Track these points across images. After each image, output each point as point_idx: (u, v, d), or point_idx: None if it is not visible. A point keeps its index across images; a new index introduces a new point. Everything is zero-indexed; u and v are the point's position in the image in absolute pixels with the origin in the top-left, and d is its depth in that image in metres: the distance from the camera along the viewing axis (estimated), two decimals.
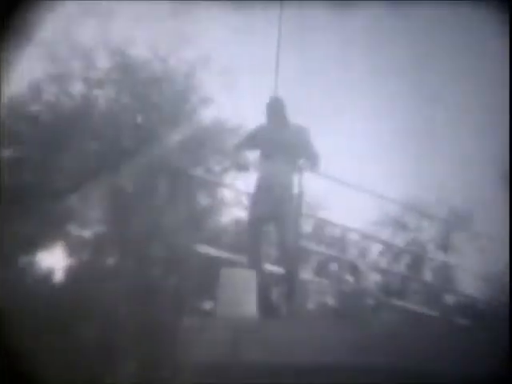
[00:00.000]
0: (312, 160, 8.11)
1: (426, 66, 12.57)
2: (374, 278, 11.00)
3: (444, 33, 11.99)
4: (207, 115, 9.84)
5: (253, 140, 8.20)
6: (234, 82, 9.05)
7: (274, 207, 7.93)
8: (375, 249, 11.70)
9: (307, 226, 10.13)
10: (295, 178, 8.11)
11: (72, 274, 7.67)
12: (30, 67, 10.92)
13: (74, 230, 9.30)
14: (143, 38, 10.45)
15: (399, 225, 12.08)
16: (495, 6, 6.67)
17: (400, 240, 12.00)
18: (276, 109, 8.07)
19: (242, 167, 8.20)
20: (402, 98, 12.42)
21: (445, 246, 12.13)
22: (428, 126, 12.59)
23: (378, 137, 12.42)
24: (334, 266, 10.69)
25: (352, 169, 10.23)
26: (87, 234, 9.27)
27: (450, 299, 11.43)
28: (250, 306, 7.09)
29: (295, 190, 8.08)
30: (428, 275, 11.81)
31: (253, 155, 8.28)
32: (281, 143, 8.01)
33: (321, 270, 10.56)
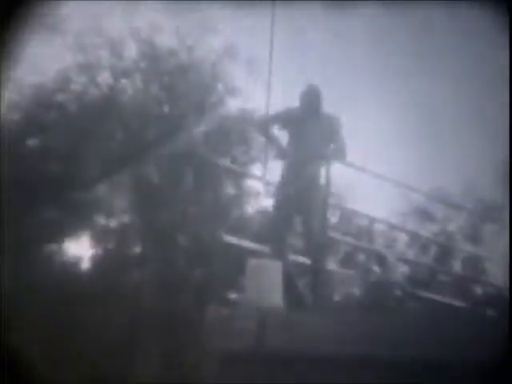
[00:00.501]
0: (339, 150, 8.05)
1: (426, 66, 12.55)
2: (401, 269, 10.93)
3: (444, 33, 11.94)
4: (233, 105, 9.82)
5: (281, 121, 8.09)
6: (260, 71, 9.03)
7: (301, 197, 7.88)
8: (402, 239, 11.64)
9: (334, 217, 10.09)
10: (322, 168, 8.06)
11: (98, 262, 7.70)
12: (57, 57, 10.96)
13: (100, 219, 9.32)
14: (170, 27, 10.46)
15: (426, 215, 12.00)
16: (495, 7, 6.62)
17: (427, 231, 11.93)
18: (311, 97, 7.98)
19: (269, 140, 8.05)
20: (405, 95, 12.41)
21: (473, 237, 12.05)
22: (449, 123, 12.58)
23: (402, 129, 12.38)
24: (360, 257, 10.64)
25: (379, 160, 10.18)
26: (113, 223, 9.29)
27: (478, 290, 11.33)
28: (276, 297, 7.06)
29: (322, 180, 8.03)
30: (456, 266, 11.73)
31: (281, 138, 8.16)
32: (311, 132, 7.95)
33: (347, 260, 10.51)
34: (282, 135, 8.11)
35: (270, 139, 8.17)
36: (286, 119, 8.05)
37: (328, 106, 8.17)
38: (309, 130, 7.92)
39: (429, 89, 12.95)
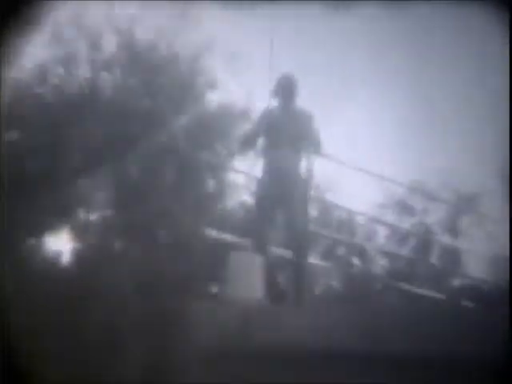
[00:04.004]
0: (315, 145, 8.09)
1: (426, 66, 12.64)
2: (381, 262, 10.99)
3: (444, 33, 12.01)
4: (213, 99, 9.83)
5: (259, 127, 8.16)
6: (240, 65, 9.03)
7: (282, 191, 7.91)
8: (382, 232, 11.69)
9: (314, 210, 10.12)
10: (302, 162, 8.10)
11: (79, 257, 7.69)
12: (35, 49, 10.89)
13: (81, 214, 9.31)
14: (149, 21, 10.42)
15: (405, 208, 12.06)
16: (495, 6, 6.67)
17: (406, 223, 11.98)
18: (287, 86, 8.01)
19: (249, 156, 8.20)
20: (404, 93, 12.49)
21: (452, 229, 12.12)
22: (431, 115, 12.67)
23: (381, 123, 12.48)
24: (341, 250, 10.68)
25: (358, 152, 10.23)
26: (94, 218, 9.28)
27: (456, 282, 11.42)
28: (257, 290, 7.10)
29: (303, 174, 8.06)
30: (435, 258, 11.80)
31: (259, 140, 8.24)
32: (287, 126, 7.98)
33: (328, 253, 10.55)
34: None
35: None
36: (260, 124, 8.10)
37: (315, 102, 8.24)
38: (284, 125, 7.96)
39: (429, 86, 13.06)
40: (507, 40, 6.76)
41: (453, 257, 11.54)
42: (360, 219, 11.21)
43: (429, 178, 11.83)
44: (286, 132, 7.99)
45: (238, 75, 8.89)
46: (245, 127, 8.50)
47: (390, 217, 11.86)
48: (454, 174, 12.05)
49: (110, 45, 11.12)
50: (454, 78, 12.51)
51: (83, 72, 11.07)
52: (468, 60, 12.41)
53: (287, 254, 8.03)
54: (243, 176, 8.99)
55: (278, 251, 8.16)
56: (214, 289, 8.39)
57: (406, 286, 10.26)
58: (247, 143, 8.23)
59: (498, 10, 6.58)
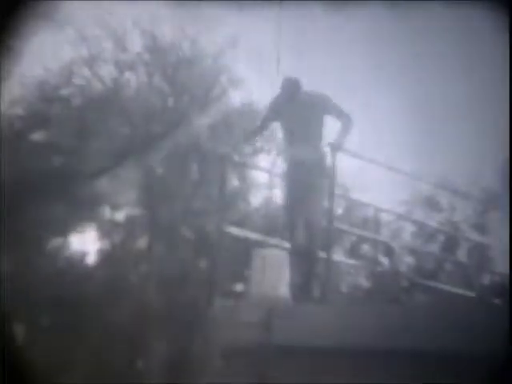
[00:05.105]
0: (342, 119, 7.95)
1: (425, 66, 12.60)
2: (407, 259, 10.92)
3: (444, 33, 11.96)
4: (236, 97, 9.84)
5: (275, 114, 8.08)
6: (261, 63, 9.03)
7: (304, 188, 7.86)
8: (408, 229, 11.62)
9: (340, 207, 10.08)
10: (325, 157, 8.03)
11: (104, 256, 7.71)
12: (60, 50, 10.95)
13: (105, 212, 9.35)
14: (172, 20, 10.46)
15: (432, 205, 11.97)
16: (495, 6, 6.61)
17: (433, 220, 11.89)
18: (291, 90, 7.94)
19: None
20: (407, 91, 12.47)
21: (479, 226, 12.03)
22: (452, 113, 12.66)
23: (406, 121, 12.45)
24: (367, 248, 10.63)
25: (383, 150, 10.18)
26: (119, 216, 9.32)
27: (485, 279, 11.33)
28: (282, 288, 7.06)
29: (326, 170, 8.01)
30: (462, 255, 11.71)
31: (280, 136, 8.20)
32: (301, 119, 7.90)
33: (354, 251, 10.51)
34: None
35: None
36: (275, 111, 8.03)
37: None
38: (300, 119, 7.88)
39: (429, 86, 13.06)
40: (507, 40, 6.70)
41: (481, 254, 11.43)
42: (386, 216, 11.15)
43: (456, 175, 11.75)
44: (302, 125, 7.90)
45: (260, 72, 8.89)
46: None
47: (417, 214, 11.79)
48: (481, 170, 11.97)
49: (134, 45, 11.17)
50: (454, 76, 12.47)
51: (108, 72, 11.12)
52: (468, 60, 12.35)
53: (311, 251, 7.98)
54: (267, 173, 8.96)
55: (303, 249, 8.11)
56: (239, 286, 8.38)
57: (433, 284, 10.18)
58: (258, 132, 8.22)
59: (498, 10, 6.53)
